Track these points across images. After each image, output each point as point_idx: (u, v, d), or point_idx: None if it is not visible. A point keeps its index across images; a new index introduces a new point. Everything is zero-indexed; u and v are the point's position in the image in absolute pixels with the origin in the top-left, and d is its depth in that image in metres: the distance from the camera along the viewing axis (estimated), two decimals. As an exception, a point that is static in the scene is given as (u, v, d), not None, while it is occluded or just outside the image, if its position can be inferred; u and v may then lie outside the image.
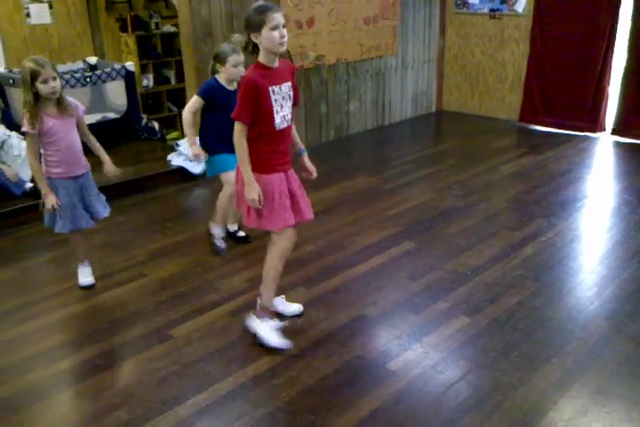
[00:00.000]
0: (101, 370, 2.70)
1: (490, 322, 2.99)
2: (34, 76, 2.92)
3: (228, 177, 3.44)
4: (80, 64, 5.95)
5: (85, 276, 3.42)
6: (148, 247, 3.89)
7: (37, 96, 2.98)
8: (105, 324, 3.07)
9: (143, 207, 4.60)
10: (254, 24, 2.54)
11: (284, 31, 2.56)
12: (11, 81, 4.97)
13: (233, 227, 3.92)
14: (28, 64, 2.95)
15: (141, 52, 6.57)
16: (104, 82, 5.57)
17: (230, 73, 3.50)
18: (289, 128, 2.75)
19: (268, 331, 2.83)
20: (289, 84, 2.70)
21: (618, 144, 5.92)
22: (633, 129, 5.93)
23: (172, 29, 6.70)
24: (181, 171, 5.03)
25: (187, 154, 4.94)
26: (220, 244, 3.77)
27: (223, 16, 4.99)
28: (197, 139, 3.61)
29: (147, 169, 5.11)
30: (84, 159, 3.24)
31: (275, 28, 2.52)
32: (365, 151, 6.05)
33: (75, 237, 3.36)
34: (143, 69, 6.62)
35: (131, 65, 5.72)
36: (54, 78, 2.96)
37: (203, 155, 3.53)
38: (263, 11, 2.52)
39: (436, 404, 2.45)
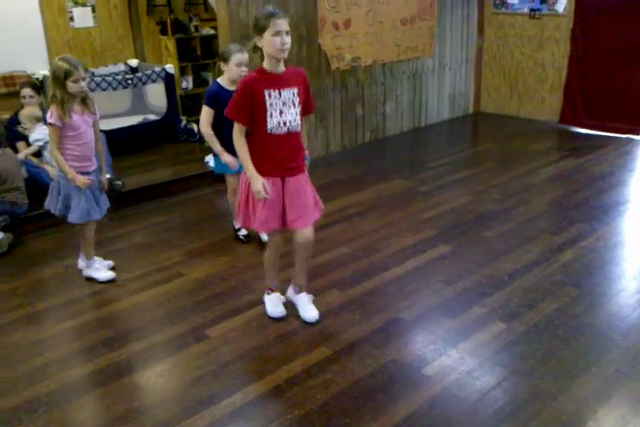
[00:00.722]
0: (139, 368, 2.76)
1: (527, 329, 2.94)
2: (67, 75, 3.13)
3: (228, 179, 3.84)
4: (121, 66, 6.10)
5: (103, 271, 3.55)
6: (185, 247, 3.94)
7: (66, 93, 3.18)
8: (143, 322, 3.13)
9: (181, 208, 4.67)
10: (259, 27, 2.61)
11: (287, 38, 2.59)
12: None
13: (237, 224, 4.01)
14: (62, 64, 3.15)
15: (181, 54, 6.67)
16: (144, 84, 5.68)
17: (233, 72, 3.55)
18: (291, 135, 2.74)
19: (270, 303, 3.11)
20: (294, 90, 2.71)
21: (662, 147, 5.77)
22: (678, 131, 5.77)
23: (212, 32, 6.77)
24: (218, 172, 5.09)
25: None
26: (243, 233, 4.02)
27: (261, 19, 5.03)
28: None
29: (185, 170, 5.19)
30: (94, 157, 3.41)
31: (276, 34, 2.57)
32: (401, 153, 6.01)
33: (91, 232, 3.50)
34: (182, 72, 6.72)
35: (170, 67, 5.82)
36: (84, 79, 3.19)
37: (236, 162, 3.43)
38: (269, 16, 2.58)
39: (471, 411, 2.42)
